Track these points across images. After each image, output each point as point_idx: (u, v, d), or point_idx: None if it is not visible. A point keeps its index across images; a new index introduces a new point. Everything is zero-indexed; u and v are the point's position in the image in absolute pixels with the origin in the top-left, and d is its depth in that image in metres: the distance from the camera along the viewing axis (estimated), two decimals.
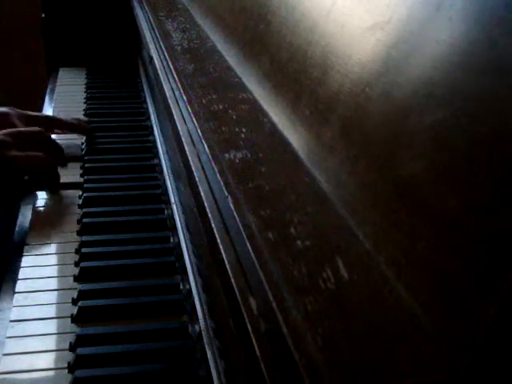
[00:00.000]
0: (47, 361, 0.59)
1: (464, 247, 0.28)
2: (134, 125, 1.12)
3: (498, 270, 0.26)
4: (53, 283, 0.70)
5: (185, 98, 0.63)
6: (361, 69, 0.42)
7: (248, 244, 0.38)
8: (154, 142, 0.99)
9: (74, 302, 0.66)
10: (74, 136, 1.04)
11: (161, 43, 0.84)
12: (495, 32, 0.30)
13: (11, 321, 0.63)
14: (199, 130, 0.54)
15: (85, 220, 0.81)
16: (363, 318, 0.30)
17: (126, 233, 0.79)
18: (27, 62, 1.94)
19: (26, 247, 0.76)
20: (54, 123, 1.02)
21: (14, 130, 0.87)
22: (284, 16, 0.59)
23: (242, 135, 0.51)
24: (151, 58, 0.87)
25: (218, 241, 0.41)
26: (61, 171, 0.92)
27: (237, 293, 0.36)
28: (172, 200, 0.78)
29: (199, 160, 0.51)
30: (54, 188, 0.89)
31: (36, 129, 0.90)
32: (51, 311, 0.65)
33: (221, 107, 0.58)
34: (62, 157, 0.93)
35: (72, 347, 0.60)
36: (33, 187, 0.88)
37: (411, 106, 0.35)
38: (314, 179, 0.42)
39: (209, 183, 0.47)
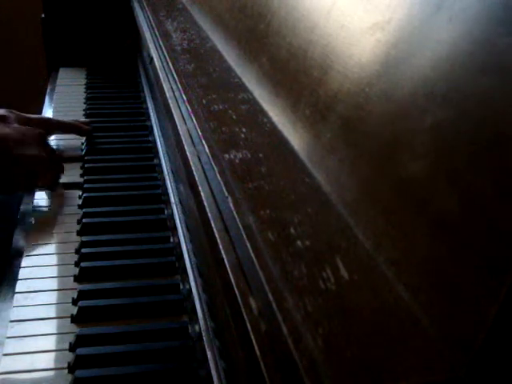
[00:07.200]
0: (47, 361, 0.59)
1: (464, 247, 0.28)
2: (134, 125, 1.12)
3: (498, 270, 0.26)
4: (53, 283, 0.70)
5: (185, 97, 0.63)
6: (361, 69, 0.42)
7: (248, 244, 0.38)
8: (154, 142, 1.00)
9: (74, 302, 0.66)
10: (74, 136, 1.04)
11: (161, 43, 0.84)
12: (495, 32, 0.30)
13: (11, 321, 0.63)
14: (199, 130, 0.54)
15: (85, 220, 0.81)
16: (363, 317, 0.30)
17: (126, 233, 0.79)
18: (27, 62, 1.94)
19: (26, 247, 0.76)
20: (54, 125, 1.02)
21: (20, 127, 0.88)
22: (284, 16, 0.59)
23: (242, 135, 0.51)
24: (151, 58, 0.86)
25: (218, 241, 0.41)
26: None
27: (237, 293, 0.36)
28: (172, 200, 0.78)
29: (199, 160, 0.51)
30: (53, 189, 0.89)
31: (40, 131, 0.90)
32: (51, 311, 0.65)
33: (221, 107, 0.58)
34: (59, 163, 0.93)
35: (72, 347, 0.60)
36: (32, 186, 0.88)
37: (411, 105, 0.35)
38: (314, 179, 0.42)
39: (209, 183, 0.47)
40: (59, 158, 0.94)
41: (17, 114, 0.93)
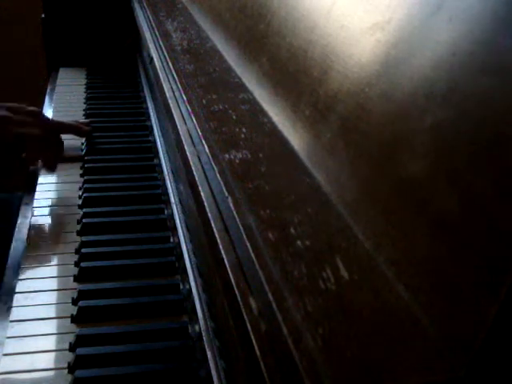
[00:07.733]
0: (47, 361, 0.59)
1: (464, 247, 0.28)
2: (134, 125, 1.12)
3: (498, 270, 0.26)
4: (53, 283, 0.70)
5: (185, 97, 0.63)
6: (361, 69, 0.42)
7: (248, 244, 0.38)
8: (154, 142, 0.99)
9: (74, 302, 0.66)
10: (74, 136, 1.04)
11: (161, 43, 0.84)
12: (495, 32, 0.30)
13: (11, 321, 0.63)
14: (199, 130, 0.54)
15: (85, 220, 0.81)
16: (363, 317, 0.30)
17: (126, 233, 0.79)
18: (27, 62, 1.94)
19: (26, 247, 0.76)
20: (54, 126, 1.02)
21: (14, 104, 0.88)
22: (284, 16, 0.59)
23: (242, 135, 0.51)
24: (151, 58, 0.86)
25: (218, 241, 0.41)
26: (61, 172, 0.93)
27: (237, 293, 0.36)
28: (172, 200, 0.78)
29: (199, 160, 0.51)
30: (52, 168, 0.90)
31: (34, 108, 0.90)
32: (51, 311, 0.65)
33: (221, 107, 0.58)
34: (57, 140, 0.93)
35: (72, 347, 0.60)
36: (30, 164, 0.88)
37: (411, 106, 0.35)
38: (314, 179, 0.42)
39: (209, 183, 0.47)
40: (57, 135, 0.93)
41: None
